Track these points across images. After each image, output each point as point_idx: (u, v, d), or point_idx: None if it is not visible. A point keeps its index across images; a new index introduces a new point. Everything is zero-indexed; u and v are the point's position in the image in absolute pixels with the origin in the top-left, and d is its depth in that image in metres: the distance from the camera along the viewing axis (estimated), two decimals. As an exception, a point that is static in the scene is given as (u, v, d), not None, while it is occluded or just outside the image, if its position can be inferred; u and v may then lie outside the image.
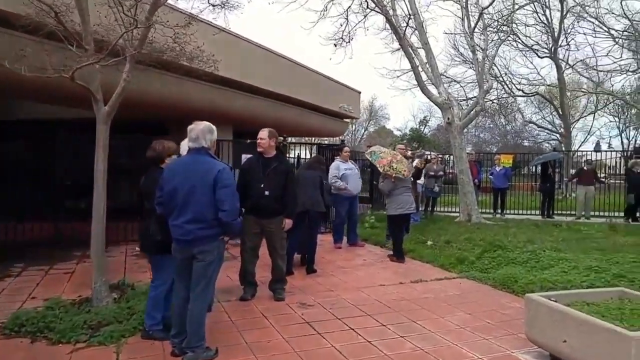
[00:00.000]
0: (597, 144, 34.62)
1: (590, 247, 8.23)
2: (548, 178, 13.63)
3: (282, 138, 10.70)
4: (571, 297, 3.93)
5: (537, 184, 15.47)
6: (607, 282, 5.20)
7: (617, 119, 36.26)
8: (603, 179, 15.07)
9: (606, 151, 21.21)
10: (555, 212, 13.91)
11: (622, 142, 37.04)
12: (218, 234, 3.79)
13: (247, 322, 4.85)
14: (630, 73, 20.17)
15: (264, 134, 5.49)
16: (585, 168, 13.56)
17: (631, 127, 37.15)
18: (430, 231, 10.28)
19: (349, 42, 12.52)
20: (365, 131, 52.45)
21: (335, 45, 12.50)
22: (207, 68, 6.95)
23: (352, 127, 51.42)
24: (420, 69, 12.65)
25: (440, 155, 15.31)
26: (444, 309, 5.24)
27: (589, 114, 30.55)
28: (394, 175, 7.41)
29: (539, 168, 16.06)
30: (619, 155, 20.28)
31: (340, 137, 12.06)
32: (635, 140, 38.31)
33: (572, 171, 19.85)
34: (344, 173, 8.78)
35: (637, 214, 12.83)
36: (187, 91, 9.88)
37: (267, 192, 5.41)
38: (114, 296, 5.29)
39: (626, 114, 35.01)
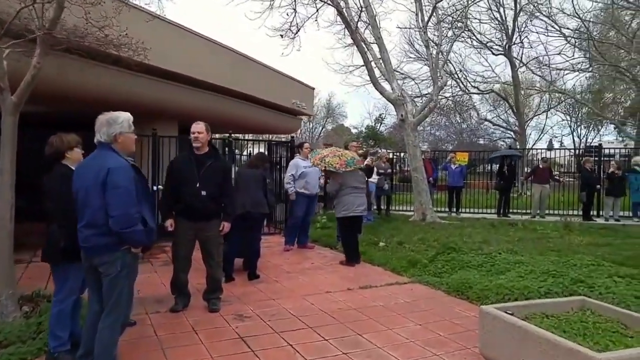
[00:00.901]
0: (550, 142, 35.40)
1: (546, 248, 7.99)
2: (504, 176, 13.48)
3: (227, 135, 10.17)
4: (529, 309, 3.53)
5: (493, 182, 15.40)
6: (566, 288, 4.86)
7: (569, 117, 37.21)
8: (558, 177, 15.09)
9: (558, 149, 21.57)
10: (511, 210, 13.80)
11: (573, 140, 38.05)
12: (117, 242, 3.18)
13: (174, 338, 4.27)
14: (581, 72, 20.53)
15: (199, 127, 4.91)
16: (540, 166, 13.49)
17: (582, 126, 38.18)
18: (383, 231, 9.88)
19: (297, 33, 11.99)
20: (322, 129, 52.12)
21: (282, 37, 11.97)
22: (136, 57, 6.25)
23: (309, 124, 51.17)
24: (373, 64, 12.27)
25: (389, 152, 14.97)
26: (393, 319, 4.78)
27: (542, 112, 31.15)
28: (324, 168, 7.20)
29: (495, 165, 16.04)
30: (570, 154, 20.67)
31: (292, 135, 11.45)
32: (586, 139, 39.44)
33: (527, 169, 20.06)
34: (303, 171, 8.26)
35: (591, 212, 12.87)
36: (118, 83, 9.12)
37: (203, 193, 4.84)
38: (25, 310, 4.66)
39: (578, 112, 35.95)
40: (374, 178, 11.44)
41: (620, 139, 34.63)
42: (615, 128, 36.13)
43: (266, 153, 11.47)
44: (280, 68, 15.71)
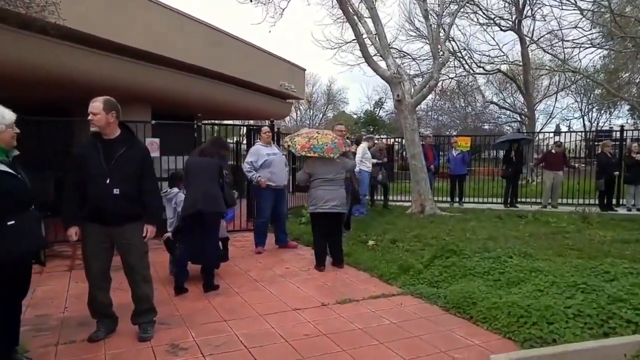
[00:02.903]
0: (557, 127, 33.94)
1: (564, 247, 6.79)
2: (511, 162, 12.21)
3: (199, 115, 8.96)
4: None
5: (499, 169, 14.15)
6: (602, 309, 3.68)
7: (579, 100, 35.67)
8: (574, 164, 13.78)
9: (567, 132, 20.15)
10: (519, 200, 12.57)
11: (584, 124, 36.48)
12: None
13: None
14: (599, 48, 19.06)
15: (95, 105, 3.70)
16: (553, 151, 12.19)
17: (594, 109, 36.59)
18: (375, 226, 8.72)
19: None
20: (323, 116, 50.76)
21: (251, 1, 10.83)
22: (49, 16, 5.04)
23: (310, 111, 49.88)
24: (367, 40, 11.00)
25: (386, 138, 13.71)
26: (372, 353, 3.62)
27: (552, 95, 29.64)
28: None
29: (501, 152, 14.77)
30: (581, 138, 19.29)
31: (271, 119, 10.24)
32: (597, 122, 37.86)
33: (536, 155, 18.75)
34: (266, 159, 7.06)
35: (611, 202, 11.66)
36: (71, 64, 8.01)
37: (116, 191, 3.67)
38: None
39: (589, 95, 34.32)
40: (367, 167, 10.26)
41: (633, 121, 33.21)
42: (629, 110, 34.71)
43: (244, 140, 10.29)
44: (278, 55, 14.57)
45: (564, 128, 32.61)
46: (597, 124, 36.91)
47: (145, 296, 3.98)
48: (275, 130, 10.85)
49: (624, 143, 13.09)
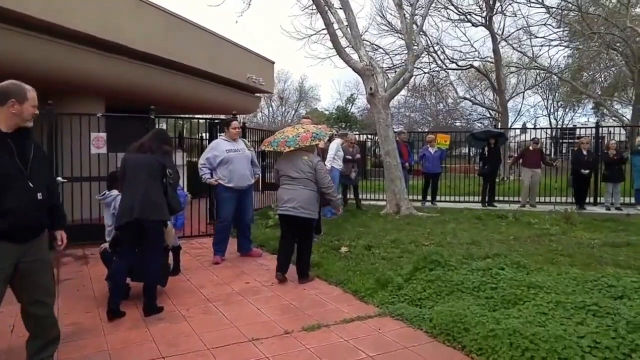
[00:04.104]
0: (524, 125, 34.05)
1: (553, 253, 6.22)
2: (488, 160, 11.69)
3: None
4: None
5: (473, 166, 13.64)
6: (622, 340, 3.02)
7: (545, 99, 35.92)
8: (551, 161, 13.35)
9: (535, 129, 19.77)
10: (496, 198, 12.06)
11: (550, 122, 36.75)
12: None
13: None
14: (565, 46, 18.91)
15: None
16: (531, 148, 11.71)
17: (559, 108, 36.92)
18: (348, 229, 8.01)
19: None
20: (295, 113, 49.96)
21: None
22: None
23: (282, 108, 49.04)
24: (338, 31, 10.28)
25: (358, 134, 12.99)
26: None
27: (519, 94, 29.62)
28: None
29: (475, 149, 14.28)
30: (547, 135, 18.97)
31: (233, 112, 9.36)
32: (563, 120, 38.22)
33: (509, 152, 18.41)
34: (225, 156, 6.24)
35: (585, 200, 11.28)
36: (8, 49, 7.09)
37: (40, 195, 2.88)
38: None
39: (554, 93, 34.56)
40: (339, 165, 9.53)
41: (597, 119, 33.52)
42: (593, 109, 35.09)
43: (206, 134, 9.41)
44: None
45: (530, 126, 32.72)
46: (563, 121, 37.26)
47: (51, 324, 3.17)
48: (240, 125, 10.05)
49: (600, 140, 12.76)
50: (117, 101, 10.80)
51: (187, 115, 11.39)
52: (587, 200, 11.38)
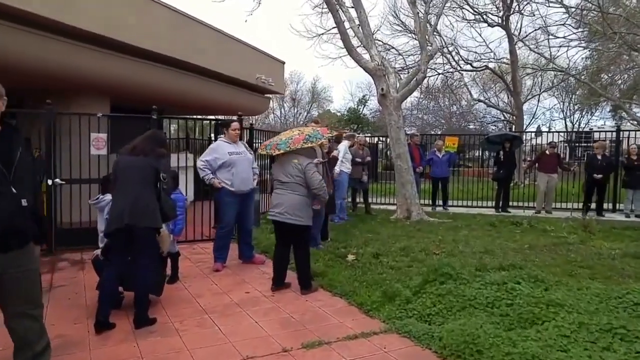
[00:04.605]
0: (538, 128, 33.38)
1: (571, 264, 5.88)
2: (502, 164, 11.32)
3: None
4: None
5: (486, 170, 13.27)
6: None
7: (561, 102, 35.26)
8: (568, 166, 12.91)
9: (549, 132, 19.18)
10: (510, 204, 11.67)
11: (565, 126, 36.03)
12: None
13: None
14: (584, 47, 18.41)
15: None
16: (547, 152, 11.31)
17: (575, 110, 36.18)
18: (356, 235, 7.74)
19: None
20: (307, 114, 49.73)
21: None
22: None
23: (294, 109, 48.81)
24: (349, 29, 10.00)
25: (366, 137, 12.66)
26: None
27: (535, 96, 29.03)
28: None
29: (489, 151, 13.91)
30: (562, 139, 18.42)
31: (239, 113, 9.07)
32: (579, 124, 37.43)
33: (524, 156, 17.96)
34: (227, 159, 6.00)
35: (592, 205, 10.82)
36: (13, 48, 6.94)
37: (24, 202, 2.67)
38: None
39: (571, 96, 33.87)
40: (347, 168, 9.24)
41: (614, 122, 32.74)
42: (610, 112, 34.30)
43: (213, 135, 9.19)
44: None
45: (544, 129, 32.13)
46: (579, 125, 36.51)
47: (36, 338, 2.91)
48: (247, 126, 9.82)
49: (620, 144, 12.31)
50: (122, 101, 10.62)
51: (191, 116, 11.13)
52: (605, 207, 10.95)
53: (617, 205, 11.31)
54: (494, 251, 6.58)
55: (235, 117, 8.11)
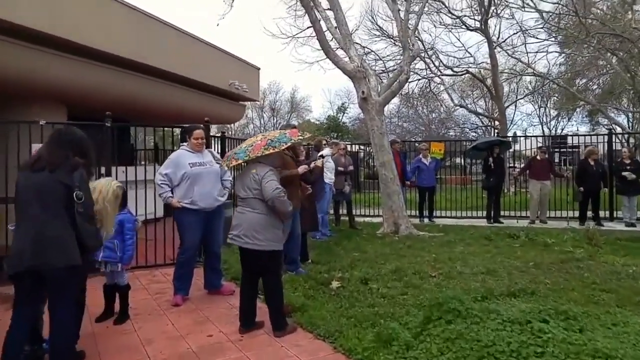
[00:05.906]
0: (514, 135, 33.18)
1: (590, 287, 5.10)
2: (492, 172, 10.60)
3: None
4: None
5: (472, 177, 12.57)
6: None
7: (537, 108, 35.23)
8: (561, 172, 12.28)
9: (526, 137, 18.62)
10: (501, 214, 10.95)
11: (542, 131, 35.95)
12: None
13: None
14: (557, 52, 18.12)
15: None
16: (538, 157, 10.62)
17: (553, 117, 36.21)
18: (340, 255, 6.87)
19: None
20: (286, 124, 48.97)
21: None
22: None
23: (274, 119, 47.96)
24: (327, 31, 9.22)
25: (346, 144, 11.82)
26: None
27: (512, 104, 28.70)
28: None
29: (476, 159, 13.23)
30: (539, 144, 17.85)
31: (206, 119, 8.10)
32: (556, 129, 37.39)
33: (510, 163, 17.37)
34: (186, 171, 5.10)
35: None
36: None
37: None
38: None
39: (547, 102, 33.80)
40: (329, 178, 8.40)
41: (591, 127, 32.71)
42: (587, 117, 34.28)
43: (174, 146, 8.22)
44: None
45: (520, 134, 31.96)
46: (555, 130, 36.46)
47: None
48: (219, 134, 8.92)
49: (615, 150, 11.74)
50: (83, 111, 9.59)
51: (155, 125, 10.13)
52: (602, 215, 10.29)
53: (615, 213, 10.67)
54: (497, 271, 5.79)
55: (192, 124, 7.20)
